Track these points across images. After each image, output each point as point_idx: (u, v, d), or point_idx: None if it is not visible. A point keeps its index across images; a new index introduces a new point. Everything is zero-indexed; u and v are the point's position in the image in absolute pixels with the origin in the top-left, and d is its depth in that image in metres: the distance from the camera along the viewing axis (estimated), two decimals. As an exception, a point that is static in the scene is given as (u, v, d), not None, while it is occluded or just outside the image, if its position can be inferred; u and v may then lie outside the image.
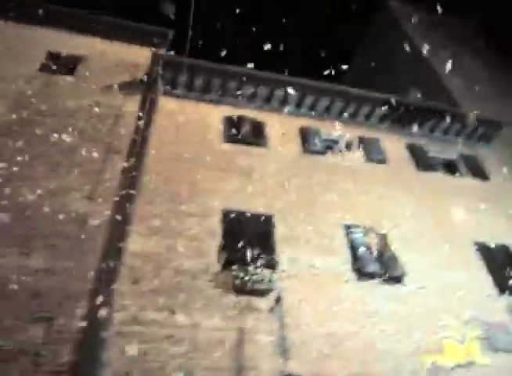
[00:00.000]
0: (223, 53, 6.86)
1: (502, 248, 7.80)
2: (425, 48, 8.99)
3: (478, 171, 9.46)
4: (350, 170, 8.42)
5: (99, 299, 5.15)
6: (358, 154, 8.85)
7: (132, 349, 5.00)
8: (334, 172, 8.24)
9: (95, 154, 7.02)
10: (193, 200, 6.99)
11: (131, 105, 8.32)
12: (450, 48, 14.38)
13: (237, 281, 5.90)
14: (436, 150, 9.71)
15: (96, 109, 7.94)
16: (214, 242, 6.52)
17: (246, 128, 8.69)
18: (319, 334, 5.83)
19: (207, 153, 7.84)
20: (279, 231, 6.95)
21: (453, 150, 9.90)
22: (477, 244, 7.78)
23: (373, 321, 6.19)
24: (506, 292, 7.18)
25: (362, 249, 6.93)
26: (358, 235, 7.20)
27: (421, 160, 9.19)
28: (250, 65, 7.39)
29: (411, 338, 6.16)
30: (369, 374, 5.59)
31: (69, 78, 8.60)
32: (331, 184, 7.97)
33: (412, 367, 5.85)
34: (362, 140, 9.14)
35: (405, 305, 6.53)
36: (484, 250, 7.68)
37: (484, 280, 7.31)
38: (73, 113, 7.81)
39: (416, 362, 5.92)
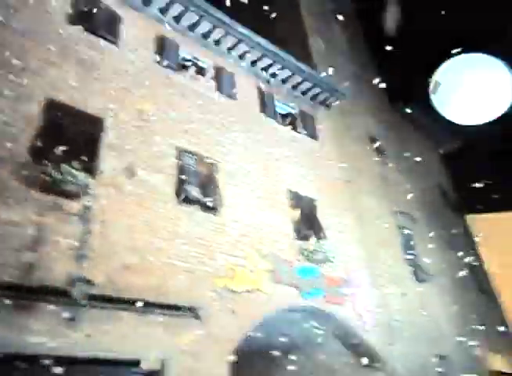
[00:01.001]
0: None
1: (309, 200, 8.90)
2: None
3: (310, 130, 10.36)
4: (199, 96, 8.26)
5: None
6: (210, 83, 8.72)
7: None
8: (182, 93, 7.97)
9: None
10: (11, 79, 5.92)
11: None
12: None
13: (47, 178, 5.36)
14: (282, 101, 10.24)
15: None
16: (29, 131, 5.73)
17: (99, 17, 7.63)
18: (125, 246, 5.80)
19: (43, 30, 6.66)
20: (109, 137, 6.49)
21: (296, 105, 10.59)
22: (290, 192, 8.69)
23: (182, 242, 6.44)
24: (301, 238, 8.29)
25: (189, 174, 7.03)
26: (189, 160, 7.24)
27: (267, 106, 9.59)
28: None
29: (211, 262, 6.64)
30: (162, 287, 5.87)
31: None
32: (176, 104, 7.72)
33: (205, 287, 6.36)
34: (218, 70, 9.00)
35: (215, 233, 6.96)
36: (293, 197, 8.63)
37: (287, 224, 8.26)
38: None
39: (210, 283, 6.46)
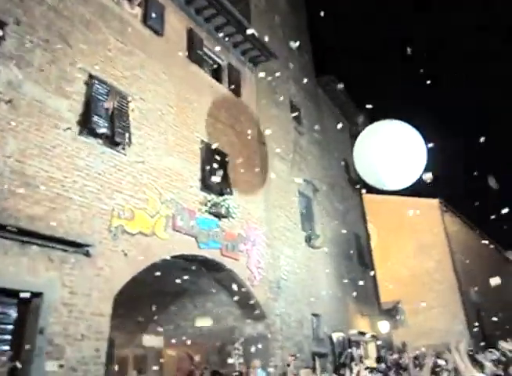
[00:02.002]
0: None
1: (221, 154, 8.88)
2: None
3: (235, 85, 10.18)
4: (121, 22, 7.57)
5: None
6: (136, 11, 8.01)
7: None
8: (102, 15, 7.20)
9: None
10: None
11: None
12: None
13: None
14: (211, 49, 9.87)
15: None
16: None
17: None
18: (12, 170, 5.29)
19: None
20: (8, 46, 5.70)
21: (225, 57, 10.29)
22: (203, 142, 8.57)
23: (79, 174, 6.05)
24: (207, 190, 8.29)
25: (98, 105, 6.55)
26: (100, 90, 6.70)
27: (194, 51, 9.15)
28: None
29: (109, 201, 6.37)
30: (52, 219, 5.53)
31: None
32: (93, 25, 6.95)
33: (99, 225, 6.12)
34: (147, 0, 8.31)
35: (118, 171, 6.65)
36: (205, 148, 8.54)
37: (195, 174, 8.18)
38: None
39: (105, 221, 6.22)
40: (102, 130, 6.50)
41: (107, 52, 7.07)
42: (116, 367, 9.14)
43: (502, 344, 5.14)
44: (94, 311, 5.76)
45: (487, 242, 26.11)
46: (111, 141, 6.62)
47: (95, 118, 6.48)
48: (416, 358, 7.71)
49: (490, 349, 6.03)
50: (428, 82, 6.81)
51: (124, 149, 6.83)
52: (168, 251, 7.26)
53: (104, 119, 6.63)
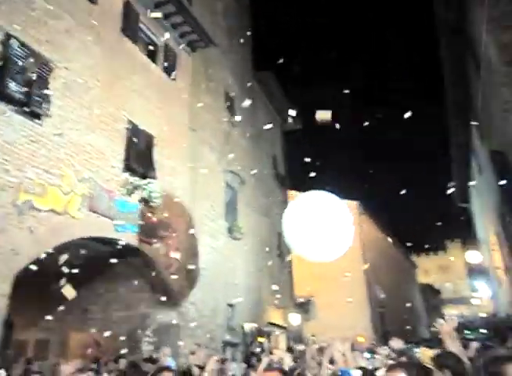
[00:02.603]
0: None
1: (148, 136, 8.61)
2: None
3: (169, 68, 9.85)
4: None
5: None
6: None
7: None
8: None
9: None
10: None
11: None
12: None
13: None
14: (148, 26, 9.48)
15: None
16: None
17: None
18: None
19: None
20: None
21: (162, 37, 9.92)
22: (130, 122, 8.23)
23: (-15, 142, 5.53)
24: (129, 171, 7.99)
25: (14, 67, 6.01)
26: (18, 52, 6.13)
27: (129, 26, 8.73)
28: None
29: (18, 173, 5.89)
30: None
31: None
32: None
33: (3, 198, 5.64)
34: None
35: (31, 143, 6.16)
36: (132, 129, 8.22)
37: (118, 154, 7.84)
38: None
39: (11, 195, 5.75)
40: (17, 96, 5.98)
41: (31, 12, 6.49)
42: (13, 351, 8.57)
43: (392, 342, 5.58)
44: (-10, 291, 5.32)
45: (395, 246, 28.16)
46: (26, 109, 6.11)
47: (10, 82, 5.94)
48: (320, 349, 8.12)
49: (384, 347, 6.52)
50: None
51: (40, 119, 6.33)
52: (81, 232, 6.90)
53: (20, 84, 6.10)
